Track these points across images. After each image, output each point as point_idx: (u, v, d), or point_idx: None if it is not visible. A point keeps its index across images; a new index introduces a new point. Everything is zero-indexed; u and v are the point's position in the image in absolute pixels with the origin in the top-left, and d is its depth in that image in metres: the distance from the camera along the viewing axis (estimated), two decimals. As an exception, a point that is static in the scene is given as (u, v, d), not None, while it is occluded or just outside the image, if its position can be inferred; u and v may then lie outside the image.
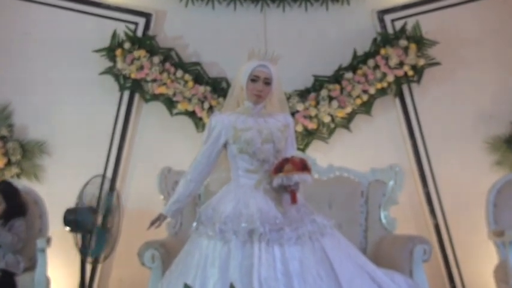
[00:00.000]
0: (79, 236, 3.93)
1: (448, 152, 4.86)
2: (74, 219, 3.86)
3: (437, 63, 4.83)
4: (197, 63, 4.88)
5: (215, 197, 3.18)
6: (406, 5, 4.88)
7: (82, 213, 3.88)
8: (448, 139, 4.89)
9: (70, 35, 4.90)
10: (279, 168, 3.03)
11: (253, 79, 3.11)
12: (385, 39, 4.82)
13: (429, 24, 4.84)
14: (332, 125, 4.80)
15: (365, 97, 4.78)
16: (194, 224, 3.15)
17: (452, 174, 4.80)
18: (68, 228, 3.91)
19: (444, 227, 4.76)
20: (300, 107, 4.75)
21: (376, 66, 4.77)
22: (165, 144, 4.88)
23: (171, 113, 4.83)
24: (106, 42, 4.82)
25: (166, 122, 4.88)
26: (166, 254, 3.92)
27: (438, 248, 4.73)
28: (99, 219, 3.94)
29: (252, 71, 3.10)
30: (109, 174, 4.71)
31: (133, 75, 4.76)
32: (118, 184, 4.71)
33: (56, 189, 4.69)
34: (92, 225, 3.89)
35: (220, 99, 4.74)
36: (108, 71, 4.83)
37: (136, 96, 4.88)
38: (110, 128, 4.83)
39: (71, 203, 3.97)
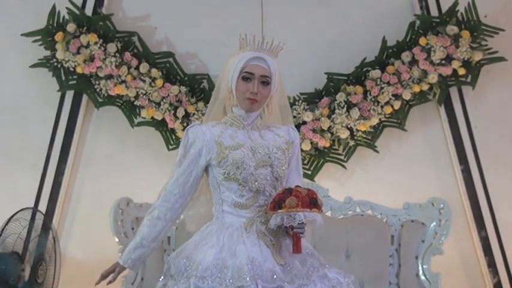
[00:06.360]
0: (-3, 293, 3.92)
1: (514, 182, 4.89)
2: (-10, 269, 3.85)
3: (500, 59, 4.84)
4: (169, 54, 4.90)
5: (191, 241, 3.16)
6: (457, -22, 4.93)
7: (2, 261, 3.80)
8: (514, 164, 4.92)
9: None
10: (278, 203, 3.00)
11: (246, 76, 3.09)
12: (427, 24, 4.83)
13: (489, 4, 4.86)
14: (351, 143, 4.82)
15: (397, 104, 4.81)
16: (161, 279, 3.14)
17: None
18: (-20, 282, 3.90)
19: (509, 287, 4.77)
20: (307, 116, 4.74)
21: (414, 62, 4.80)
22: (123, 167, 4.89)
23: (132, 123, 4.84)
24: (42, 23, 4.79)
25: (126, 136, 4.90)
26: (121, 320, 3.97)
27: (501, 317, 4.77)
28: (27, 271, 3.88)
29: (244, 65, 3.09)
30: (42, 207, 4.69)
31: (79, 70, 4.77)
32: (55, 221, 4.70)
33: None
34: (16, 279, 3.85)
35: (200, 104, 4.76)
36: (44, 63, 4.82)
37: (84, 99, 4.90)
38: (45, 143, 4.83)
39: (-13, 247, 3.96)
